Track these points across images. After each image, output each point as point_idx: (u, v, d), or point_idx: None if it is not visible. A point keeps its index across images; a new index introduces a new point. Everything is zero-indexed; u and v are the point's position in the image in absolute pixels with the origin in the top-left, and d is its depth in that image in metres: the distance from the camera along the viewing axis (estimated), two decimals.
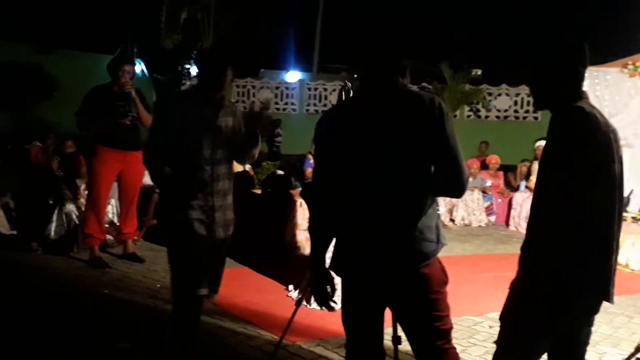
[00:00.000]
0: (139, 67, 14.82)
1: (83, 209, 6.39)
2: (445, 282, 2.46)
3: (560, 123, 2.30)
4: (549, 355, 2.56)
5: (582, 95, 2.38)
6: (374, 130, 2.32)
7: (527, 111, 14.70)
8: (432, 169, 2.35)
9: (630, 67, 8.50)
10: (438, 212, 2.48)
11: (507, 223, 9.70)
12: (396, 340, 2.71)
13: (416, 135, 2.29)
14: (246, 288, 5.41)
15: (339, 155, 2.38)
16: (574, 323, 2.43)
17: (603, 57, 8.53)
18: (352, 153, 2.36)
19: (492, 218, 10.05)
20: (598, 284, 2.33)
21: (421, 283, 2.36)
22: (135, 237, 6.58)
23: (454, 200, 9.66)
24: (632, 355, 3.25)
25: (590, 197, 2.24)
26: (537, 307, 2.33)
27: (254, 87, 15.50)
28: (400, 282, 2.37)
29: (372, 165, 2.33)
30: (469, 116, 15.03)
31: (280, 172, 8.17)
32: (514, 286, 2.47)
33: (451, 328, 2.48)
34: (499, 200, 10.14)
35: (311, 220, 2.55)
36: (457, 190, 2.40)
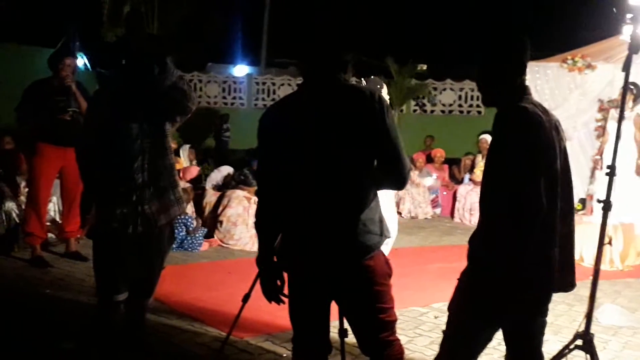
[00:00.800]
0: (82, 60, 14.46)
1: (23, 207, 6.20)
2: (389, 274, 2.49)
3: (505, 124, 2.36)
4: (506, 346, 2.62)
5: (526, 91, 2.43)
6: (317, 125, 2.34)
7: (471, 105, 15.02)
8: (374, 162, 2.38)
9: (570, 62, 8.77)
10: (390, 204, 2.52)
11: (452, 215, 9.89)
12: (342, 333, 2.73)
13: (358, 129, 2.31)
14: (193, 285, 5.35)
15: (283, 151, 2.39)
16: (520, 314, 2.49)
17: (543, 52, 8.80)
18: (295, 148, 2.36)
19: (438, 210, 10.24)
20: (540, 277, 2.38)
21: (365, 275, 2.39)
22: (79, 235, 6.42)
23: (400, 193, 9.80)
24: (571, 342, 3.37)
25: (536, 195, 2.29)
26: (481, 298, 2.39)
27: (200, 81, 15.31)
28: (345, 275, 2.39)
29: (315, 160, 2.34)
30: (415, 110, 15.25)
31: (228, 167, 8.13)
32: (462, 277, 2.52)
33: (395, 320, 2.53)
34: (444, 193, 10.34)
35: (257, 215, 2.54)
36: (398, 182, 2.44)
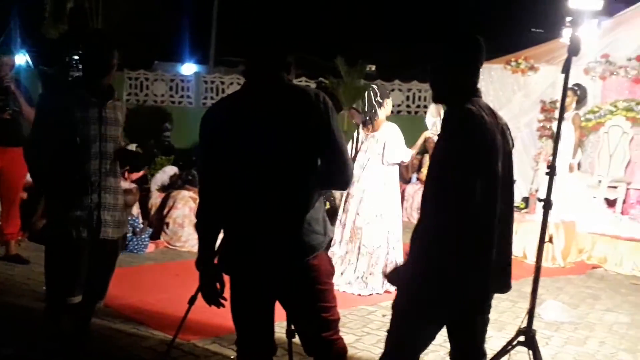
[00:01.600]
0: (24, 58, 14.00)
1: None
2: (332, 274, 2.51)
3: (449, 125, 2.39)
4: (450, 344, 2.65)
5: (476, 93, 2.45)
6: (260, 124, 2.32)
7: (418, 106, 15.20)
8: (318, 162, 2.37)
9: (513, 63, 9.01)
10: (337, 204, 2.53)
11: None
12: (290, 333, 2.72)
13: (302, 130, 2.31)
14: (139, 287, 5.23)
15: (225, 150, 2.36)
16: (461, 313, 2.52)
17: (487, 54, 8.98)
18: (238, 147, 2.34)
19: None
20: (476, 278, 2.41)
21: (309, 275, 2.40)
22: (19, 238, 6.20)
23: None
24: (514, 338, 3.44)
25: (472, 196, 2.32)
26: (423, 296, 2.42)
27: (147, 79, 15.01)
28: (289, 275, 2.39)
29: (259, 159, 2.33)
30: None
31: (173, 168, 8.01)
32: (406, 275, 2.55)
33: (338, 319, 2.53)
34: None
35: (197, 216, 2.50)
36: (342, 182, 2.45)
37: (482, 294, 2.49)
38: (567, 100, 7.50)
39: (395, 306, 2.58)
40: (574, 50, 3.21)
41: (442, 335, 2.68)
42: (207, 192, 2.47)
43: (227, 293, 2.53)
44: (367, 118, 5.48)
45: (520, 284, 6.01)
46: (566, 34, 3.47)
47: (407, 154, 5.56)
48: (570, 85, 7.59)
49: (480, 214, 2.33)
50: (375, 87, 5.60)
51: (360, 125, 5.62)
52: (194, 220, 2.57)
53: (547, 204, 3.35)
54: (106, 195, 3.19)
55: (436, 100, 2.57)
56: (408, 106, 15.30)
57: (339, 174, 2.39)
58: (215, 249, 2.50)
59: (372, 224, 5.36)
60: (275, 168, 2.33)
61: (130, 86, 15.05)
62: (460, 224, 2.31)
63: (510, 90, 9.13)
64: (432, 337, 2.58)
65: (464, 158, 2.29)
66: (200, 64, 21.73)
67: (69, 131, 3.08)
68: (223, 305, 2.51)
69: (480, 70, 2.51)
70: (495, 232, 2.41)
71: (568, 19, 3.36)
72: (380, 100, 5.50)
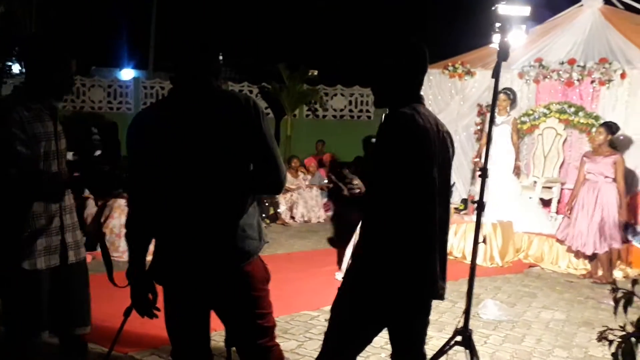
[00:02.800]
0: None
1: None
2: (267, 280, 2.48)
3: (382, 129, 2.40)
4: (391, 346, 2.66)
5: (418, 99, 2.46)
6: (191, 131, 2.29)
7: (361, 110, 15.36)
8: (250, 167, 2.36)
9: (450, 68, 9.21)
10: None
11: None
12: (229, 342, 2.69)
13: (233, 135, 2.29)
14: None
15: (155, 159, 2.31)
16: (400, 317, 2.53)
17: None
18: (168, 156, 2.30)
19: (330, 213, 10.37)
20: (413, 282, 2.42)
21: (244, 281, 2.38)
22: None
23: (294, 197, 9.86)
24: (451, 338, 3.49)
25: (406, 200, 2.34)
26: (362, 300, 2.43)
27: (84, 85, 14.63)
28: (224, 282, 2.36)
29: (190, 167, 2.29)
30: (307, 115, 15.39)
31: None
32: (345, 278, 2.55)
33: (274, 325, 2.52)
34: None
35: (128, 225, 2.43)
36: (275, 187, 2.43)
37: (423, 297, 2.50)
38: (503, 103, 7.78)
39: (333, 308, 2.58)
40: (503, 55, 3.29)
41: (384, 338, 2.69)
42: (137, 201, 2.41)
43: (160, 303, 2.47)
44: None
45: (460, 284, 6.14)
46: (496, 40, 3.55)
47: None
48: (502, 89, 7.89)
49: (416, 217, 2.35)
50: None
51: None
52: None
53: (480, 206, 3.42)
54: (67, 216, 2.95)
55: (377, 105, 2.56)
56: (351, 111, 15.44)
57: (272, 178, 2.37)
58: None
59: None
60: (206, 174, 2.29)
61: None
62: (398, 231, 2.33)
63: (449, 94, 9.33)
64: (369, 341, 2.59)
65: (397, 162, 2.31)
66: (139, 69, 21.34)
67: (31, 148, 2.77)
68: (156, 316, 2.46)
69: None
70: (433, 237, 2.43)
71: (497, 24, 3.45)
72: None
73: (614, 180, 6.57)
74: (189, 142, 2.28)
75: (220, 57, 2.42)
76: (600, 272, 6.78)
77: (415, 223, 2.36)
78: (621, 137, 7.77)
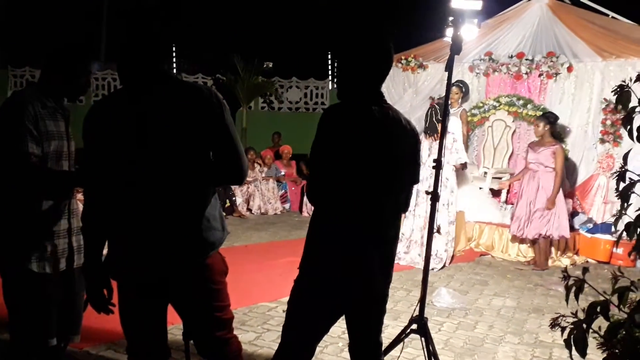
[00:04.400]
0: None
1: None
2: (226, 272, 2.49)
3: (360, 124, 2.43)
4: (348, 335, 2.70)
5: (375, 94, 2.48)
6: (151, 122, 2.25)
7: (316, 103, 15.39)
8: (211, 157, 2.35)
9: (403, 61, 9.33)
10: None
11: (300, 210, 10.10)
12: (187, 335, 2.69)
13: (195, 126, 2.27)
14: None
15: (112, 151, 2.28)
16: (355, 305, 2.58)
17: None
18: (129, 147, 2.26)
19: (287, 205, 10.41)
20: (350, 274, 2.47)
21: (204, 274, 2.38)
22: None
23: (250, 190, 9.84)
24: (407, 327, 3.57)
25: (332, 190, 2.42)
26: (317, 290, 2.48)
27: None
28: (184, 275, 2.35)
29: (151, 158, 2.26)
30: (263, 108, 15.33)
31: None
32: (299, 268, 2.59)
33: (232, 318, 2.53)
34: (292, 189, 10.53)
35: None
36: (238, 177, 2.41)
37: (367, 286, 2.54)
38: (455, 96, 7.93)
39: (290, 300, 2.62)
40: (456, 48, 3.37)
41: (341, 327, 2.74)
42: (93, 194, 2.38)
43: (115, 298, 2.46)
44: (429, 131, 6.87)
45: (414, 273, 6.28)
46: (449, 33, 3.62)
47: (464, 156, 7.00)
48: (455, 81, 8.05)
49: (353, 210, 2.42)
50: (437, 106, 6.85)
51: (423, 135, 6.82)
52: None
53: (434, 197, 3.50)
54: (74, 219, 2.89)
55: (339, 96, 2.55)
56: (306, 103, 15.46)
57: (234, 169, 2.37)
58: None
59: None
60: (168, 166, 2.27)
61: (16, 84, 14.23)
62: (331, 218, 2.43)
63: (402, 87, 9.45)
64: (326, 330, 2.63)
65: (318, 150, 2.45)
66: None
67: (41, 145, 2.72)
68: (112, 312, 2.44)
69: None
70: (367, 228, 2.46)
71: (450, 18, 3.52)
72: (440, 118, 6.68)
73: (555, 169, 6.80)
74: (149, 135, 2.25)
75: (173, 47, 2.39)
76: (539, 260, 7.01)
77: (351, 215, 2.42)
78: (567, 129, 8.04)
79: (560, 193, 6.87)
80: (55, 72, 2.85)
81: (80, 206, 2.76)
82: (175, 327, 3.43)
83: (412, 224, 6.90)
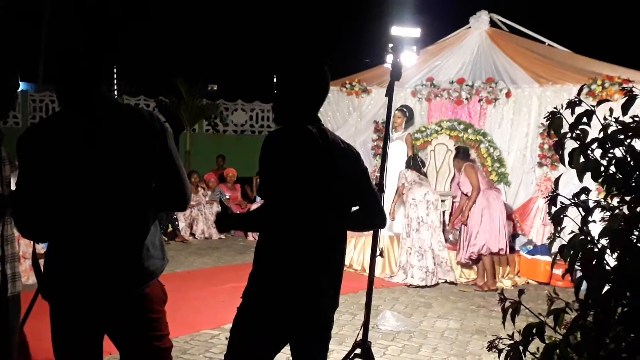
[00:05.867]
0: None
1: None
2: (165, 301, 2.44)
3: (281, 143, 2.41)
4: None
5: (313, 118, 2.47)
6: (90, 146, 2.20)
7: (262, 126, 15.38)
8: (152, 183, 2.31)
9: (348, 86, 9.43)
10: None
11: (245, 234, 9.99)
12: None
13: (137, 151, 2.22)
14: None
15: (52, 174, 2.20)
16: (297, 335, 2.54)
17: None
18: (67, 172, 2.20)
19: (232, 230, 10.28)
20: (298, 301, 2.42)
21: (142, 304, 2.31)
22: None
23: (193, 214, 9.69)
24: (351, 352, 3.54)
25: (287, 215, 2.37)
26: (258, 320, 2.43)
27: None
28: (121, 305, 2.28)
29: (90, 184, 2.20)
30: (207, 130, 15.21)
31: None
32: (242, 296, 2.53)
33: (171, 347, 2.47)
34: (237, 212, 10.42)
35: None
36: (180, 204, 2.37)
37: (315, 316, 2.51)
38: (398, 120, 8.06)
39: (232, 328, 2.56)
40: (395, 74, 3.42)
41: (285, 354, 2.69)
42: (25, 217, 2.27)
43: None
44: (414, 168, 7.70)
45: (359, 297, 6.26)
46: (389, 59, 3.68)
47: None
48: (399, 106, 8.18)
49: (301, 237, 2.38)
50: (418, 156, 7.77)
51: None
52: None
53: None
54: (8, 246, 2.72)
55: (277, 121, 2.54)
56: (252, 126, 15.44)
57: (176, 195, 2.33)
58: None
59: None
60: (107, 192, 2.21)
61: None
62: (282, 247, 2.36)
63: (346, 111, 9.55)
64: (270, 358, 2.58)
65: (276, 181, 2.35)
66: (27, 82, 20.27)
67: None
68: None
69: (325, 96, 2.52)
70: (324, 254, 2.43)
71: (390, 45, 3.59)
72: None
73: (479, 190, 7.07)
74: (89, 159, 2.19)
75: (114, 69, 2.34)
76: (483, 281, 7.13)
77: (297, 237, 2.39)
78: (507, 152, 8.25)
79: (503, 210, 7.05)
80: None
81: (16, 232, 2.63)
82: (111, 357, 3.30)
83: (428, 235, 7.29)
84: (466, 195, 7.23)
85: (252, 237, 9.68)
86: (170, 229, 9.34)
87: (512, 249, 7.50)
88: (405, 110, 8.27)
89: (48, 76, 19.30)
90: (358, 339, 3.57)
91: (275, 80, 2.57)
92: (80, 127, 2.23)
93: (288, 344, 2.59)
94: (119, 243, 2.25)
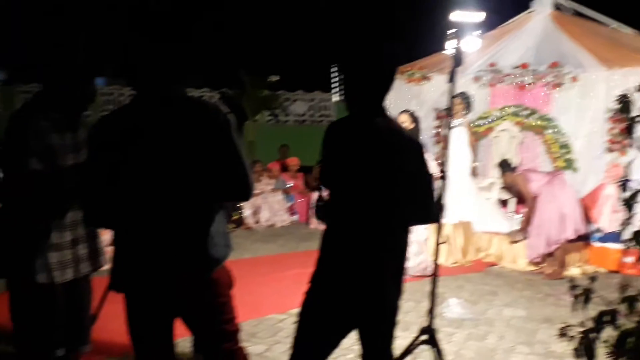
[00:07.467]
0: None
1: None
2: (231, 285, 2.53)
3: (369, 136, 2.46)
4: (361, 347, 2.71)
5: (377, 107, 2.51)
6: (158, 139, 2.28)
7: (321, 115, 15.46)
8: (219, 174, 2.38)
9: (407, 73, 9.36)
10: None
11: (307, 221, 10.11)
12: (197, 347, 2.71)
13: (202, 144, 2.29)
14: None
15: (119, 166, 2.31)
16: (367, 317, 2.60)
17: None
18: (134, 162, 2.29)
19: (295, 217, 10.42)
20: (363, 287, 2.50)
21: (211, 289, 2.41)
22: None
23: (257, 202, 9.87)
24: (417, 337, 3.58)
25: (343, 204, 2.45)
26: (325, 302, 2.50)
27: None
28: (191, 290, 2.38)
29: (157, 175, 2.29)
30: (269, 121, 15.40)
31: None
32: (312, 281, 2.61)
33: (238, 330, 2.56)
34: (300, 201, 10.55)
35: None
36: (244, 195, 2.44)
37: (379, 298, 2.56)
38: (457, 107, 7.96)
39: (301, 312, 2.64)
40: (457, 61, 3.40)
41: (351, 339, 2.75)
42: (91, 206, 2.41)
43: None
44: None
45: (423, 284, 6.24)
46: (449, 46, 3.65)
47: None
48: (458, 93, 8.07)
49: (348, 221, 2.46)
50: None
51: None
52: None
53: (441, 207, 3.51)
54: (79, 229, 2.91)
55: (346, 109, 2.59)
56: (312, 115, 15.53)
57: (240, 187, 2.39)
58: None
59: None
60: (173, 183, 2.30)
61: (23, 100, 14.30)
62: (339, 225, 2.46)
63: (406, 99, 9.46)
64: (337, 343, 2.65)
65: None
66: (97, 77, 20.91)
67: (44, 160, 2.73)
68: None
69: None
70: (379, 236, 2.49)
71: (451, 31, 3.56)
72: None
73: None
74: (157, 152, 2.28)
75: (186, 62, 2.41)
76: (552, 269, 6.99)
77: (355, 225, 2.46)
78: (573, 138, 8.05)
79: (571, 195, 6.90)
80: (56, 82, 2.83)
81: None
82: (185, 340, 3.45)
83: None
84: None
85: (315, 224, 9.78)
86: (236, 216, 9.54)
87: (583, 237, 7.31)
88: (464, 97, 8.16)
89: (117, 70, 19.86)
90: (424, 325, 3.60)
91: (339, 69, 2.60)
92: (148, 118, 2.31)
93: (355, 329, 2.65)
94: (185, 232, 2.34)
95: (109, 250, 2.68)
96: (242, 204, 9.61)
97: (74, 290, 2.94)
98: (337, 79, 17.06)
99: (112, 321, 2.50)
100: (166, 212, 2.31)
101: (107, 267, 2.64)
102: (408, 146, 2.52)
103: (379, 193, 2.45)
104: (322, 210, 2.63)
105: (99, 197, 2.36)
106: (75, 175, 2.81)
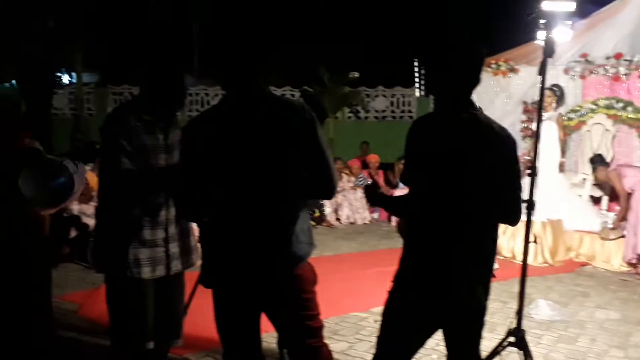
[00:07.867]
0: None
1: None
2: (315, 282, 2.53)
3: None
4: (446, 347, 2.64)
5: (463, 103, 2.44)
6: (245, 137, 2.32)
7: (402, 111, 15.30)
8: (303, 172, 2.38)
9: (494, 66, 9.10)
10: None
11: (389, 219, 10.03)
12: (282, 343, 2.74)
13: (289, 141, 2.31)
14: None
15: (210, 165, 2.36)
16: (453, 319, 2.54)
17: None
18: (224, 161, 2.34)
19: (376, 215, 10.37)
20: (447, 288, 2.44)
21: (295, 285, 2.42)
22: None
23: (338, 199, 9.89)
24: (504, 339, 3.47)
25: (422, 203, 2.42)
26: (415, 302, 2.45)
27: (131, 93, 14.95)
28: (276, 286, 2.40)
29: (245, 173, 2.33)
30: (349, 117, 15.41)
31: None
32: (395, 280, 2.57)
33: (322, 326, 2.55)
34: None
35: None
36: (328, 192, 2.44)
37: (464, 299, 2.48)
38: (547, 100, 7.65)
39: (385, 312, 2.61)
40: (548, 51, 3.26)
41: (436, 338, 2.70)
42: (185, 203, 2.48)
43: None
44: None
45: (510, 284, 6.06)
46: (541, 36, 3.51)
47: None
48: (548, 85, 7.76)
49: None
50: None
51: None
52: None
53: (530, 205, 3.39)
54: (171, 226, 2.99)
55: (438, 108, 2.53)
56: (393, 111, 15.41)
57: (325, 184, 2.40)
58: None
59: None
60: (261, 181, 2.33)
61: (115, 102, 15.00)
62: (419, 224, 2.44)
63: (493, 92, 9.21)
64: (422, 343, 2.60)
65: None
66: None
67: (135, 160, 2.82)
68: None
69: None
70: (463, 236, 2.42)
71: (542, 21, 3.41)
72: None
73: None
74: (244, 149, 2.32)
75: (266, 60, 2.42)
76: None
77: (436, 224, 2.40)
78: None
79: None
80: (149, 84, 2.92)
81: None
82: (269, 335, 3.49)
83: None
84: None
85: (396, 222, 9.68)
86: (317, 214, 9.61)
87: None
88: (555, 89, 7.83)
89: (203, 71, 20.43)
90: (511, 327, 3.48)
91: (421, 64, 2.56)
92: (237, 118, 2.36)
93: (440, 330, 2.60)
94: (272, 229, 2.37)
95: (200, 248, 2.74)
96: (323, 202, 9.68)
97: (166, 286, 3.02)
98: (419, 74, 17.02)
99: (202, 315, 2.55)
100: (255, 209, 2.35)
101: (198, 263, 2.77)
102: (497, 142, 2.42)
103: (463, 191, 2.38)
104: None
105: (191, 193, 2.44)
106: (166, 175, 2.90)
